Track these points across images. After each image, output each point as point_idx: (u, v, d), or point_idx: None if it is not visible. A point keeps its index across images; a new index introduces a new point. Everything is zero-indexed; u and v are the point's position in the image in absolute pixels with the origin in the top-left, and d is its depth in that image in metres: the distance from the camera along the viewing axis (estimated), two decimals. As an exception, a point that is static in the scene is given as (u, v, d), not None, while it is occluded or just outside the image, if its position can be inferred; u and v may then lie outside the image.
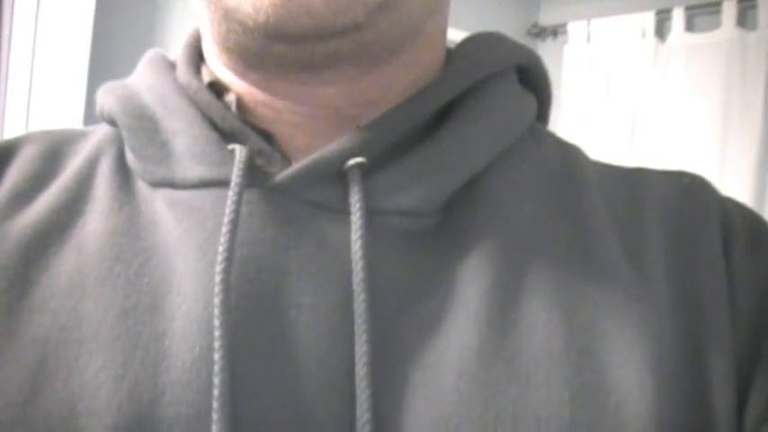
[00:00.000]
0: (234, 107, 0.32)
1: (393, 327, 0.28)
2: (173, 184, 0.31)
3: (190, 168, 0.31)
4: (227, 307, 0.26)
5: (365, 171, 0.30)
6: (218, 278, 0.27)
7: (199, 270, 0.28)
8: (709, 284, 0.31)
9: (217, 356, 0.26)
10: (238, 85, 0.33)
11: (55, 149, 0.36)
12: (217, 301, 0.26)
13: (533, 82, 0.37)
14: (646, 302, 0.30)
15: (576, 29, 2.56)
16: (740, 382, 0.31)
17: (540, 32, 2.73)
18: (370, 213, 0.29)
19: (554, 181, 0.33)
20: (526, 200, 0.32)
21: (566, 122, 2.55)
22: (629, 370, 0.27)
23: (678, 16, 2.29)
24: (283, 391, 0.26)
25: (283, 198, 0.30)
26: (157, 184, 0.31)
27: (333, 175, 0.30)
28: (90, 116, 1.74)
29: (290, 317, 0.27)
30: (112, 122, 0.36)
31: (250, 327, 0.27)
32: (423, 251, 0.29)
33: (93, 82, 1.74)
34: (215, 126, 0.32)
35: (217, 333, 0.26)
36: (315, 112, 0.32)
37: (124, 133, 0.33)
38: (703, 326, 0.30)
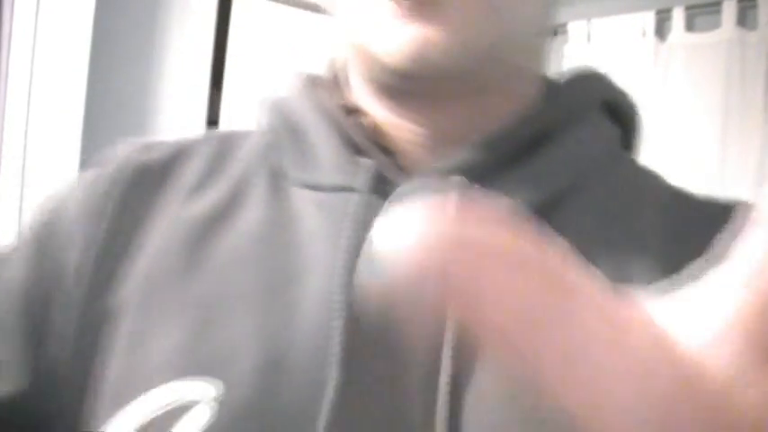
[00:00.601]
0: (366, 127, 0.41)
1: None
2: (314, 187, 0.39)
3: (328, 176, 0.39)
4: (345, 285, 0.34)
5: (466, 185, 0.37)
6: (340, 263, 0.35)
7: (328, 256, 0.36)
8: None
9: (336, 324, 0.33)
10: (374, 109, 0.41)
11: (223, 151, 0.44)
12: (338, 281, 0.34)
13: (621, 115, 0.46)
14: None
15: (575, 29, 2.56)
16: None
17: (540, 32, 2.73)
18: None
19: (616, 202, 0.40)
20: (590, 215, 0.38)
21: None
22: None
23: (678, 16, 2.29)
24: (383, 352, 0.33)
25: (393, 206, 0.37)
26: (302, 185, 0.40)
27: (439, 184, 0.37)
28: (90, 116, 1.74)
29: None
30: (272, 133, 0.44)
31: (363, 300, 0.34)
32: None
33: (93, 82, 1.74)
34: (350, 142, 0.40)
35: (336, 306, 0.34)
36: (431, 134, 0.40)
37: (281, 143, 0.42)
38: None
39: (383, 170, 0.39)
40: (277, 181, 0.41)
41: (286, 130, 0.43)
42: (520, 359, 0.18)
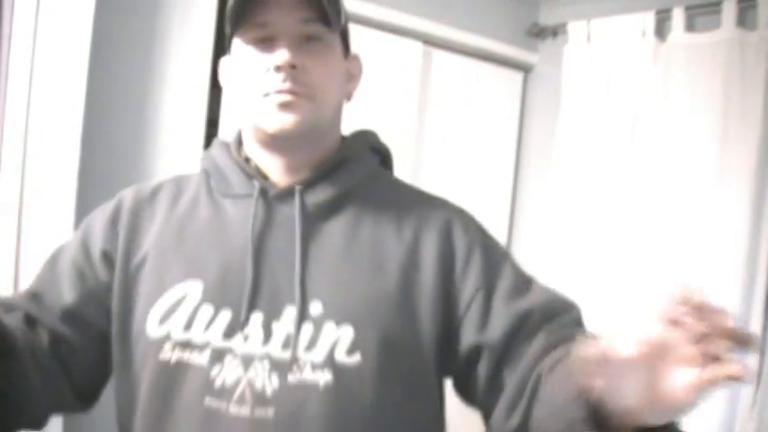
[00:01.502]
0: (254, 166, 0.88)
1: (311, 242, 0.83)
2: (231, 196, 0.87)
3: (238, 189, 0.86)
4: (253, 236, 0.82)
5: (302, 191, 0.85)
6: (250, 227, 0.83)
7: (244, 225, 0.83)
8: (426, 256, 0.84)
9: (249, 250, 0.82)
10: (257, 154, 0.88)
11: (180, 184, 0.92)
12: (251, 235, 0.82)
13: (382, 151, 0.94)
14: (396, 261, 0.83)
15: (575, 29, 2.56)
16: (451, 315, 0.84)
17: (540, 32, 2.73)
18: (303, 205, 0.84)
19: (377, 196, 0.88)
20: (364, 202, 0.86)
21: (566, 122, 2.55)
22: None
23: (678, 16, 2.29)
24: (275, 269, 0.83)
25: (273, 203, 0.85)
26: (225, 196, 0.87)
27: (290, 191, 0.85)
28: (90, 116, 1.74)
29: (271, 241, 0.83)
30: (206, 172, 0.91)
31: (262, 249, 0.83)
32: (323, 218, 0.84)
33: (93, 82, 1.74)
34: (246, 174, 0.87)
35: (250, 245, 0.82)
36: (286, 166, 0.86)
37: (213, 176, 0.90)
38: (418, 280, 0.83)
39: (264, 185, 0.85)
40: (212, 195, 0.88)
41: (215, 170, 0.89)
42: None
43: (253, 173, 0.86)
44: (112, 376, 0.88)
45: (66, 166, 1.69)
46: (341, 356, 0.77)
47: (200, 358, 0.78)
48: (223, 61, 0.90)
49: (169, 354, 0.79)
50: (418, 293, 0.81)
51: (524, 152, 2.80)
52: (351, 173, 0.86)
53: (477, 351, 0.82)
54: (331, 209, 0.84)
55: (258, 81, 0.81)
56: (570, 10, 2.64)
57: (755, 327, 2.06)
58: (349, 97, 0.91)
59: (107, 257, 0.87)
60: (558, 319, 0.82)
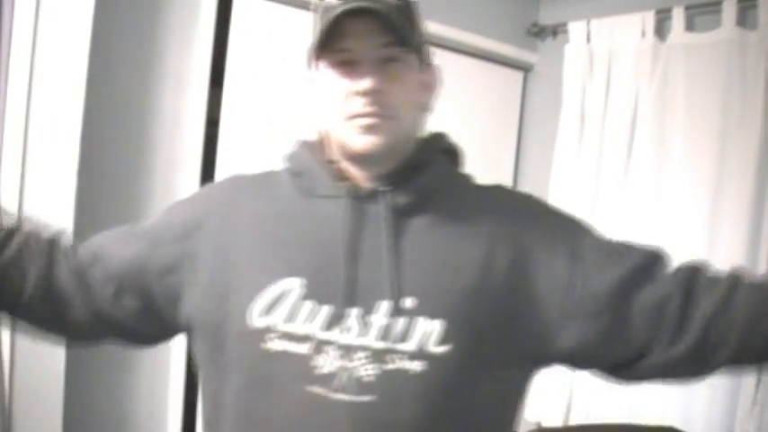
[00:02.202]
0: (338, 169, 0.93)
1: (399, 239, 0.89)
2: (321, 196, 0.93)
3: (327, 191, 0.92)
4: (347, 232, 0.89)
5: (387, 192, 0.91)
6: (341, 225, 0.90)
7: (336, 223, 0.90)
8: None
9: (341, 248, 0.89)
10: (343, 161, 0.93)
11: (267, 181, 0.99)
12: (342, 233, 0.89)
13: (454, 151, 1.01)
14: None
15: (575, 29, 2.56)
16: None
17: (540, 32, 2.73)
18: (389, 204, 0.91)
19: (454, 197, 0.95)
20: (442, 203, 0.93)
21: (566, 121, 2.55)
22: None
23: (678, 16, 2.29)
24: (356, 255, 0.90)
25: (360, 202, 0.91)
26: (316, 196, 0.93)
27: (375, 193, 0.91)
28: (89, 116, 1.74)
29: (362, 239, 0.90)
30: (292, 172, 0.96)
31: (355, 246, 0.89)
32: (407, 217, 0.91)
33: (93, 81, 1.74)
34: (333, 176, 0.93)
35: (342, 242, 0.89)
36: (369, 174, 0.92)
37: (301, 178, 0.95)
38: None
39: (351, 187, 0.91)
40: (302, 195, 0.94)
41: (303, 171, 0.95)
42: None
43: (339, 175, 0.93)
44: (200, 366, 0.96)
45: (65, 166, 1.69)
46: (432, 347, 0.85)
47: (301, 348, 0.86)
48: (306, 73, 0.96)
49: (271, 343, 0.86)
50: (500, 285, 0.89)
51: (524, 152, 2.80)
52: (428, 176, 0.93)
53: (603, 303, 0.88)
54: (413, 209, 0.91)
55: (342, 104, 0.88)
56: (570, 10, 2.64)
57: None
58: (428, 107, 0.98)
59: (184, 252, 0.94)
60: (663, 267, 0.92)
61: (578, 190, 2.51)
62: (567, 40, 2.58)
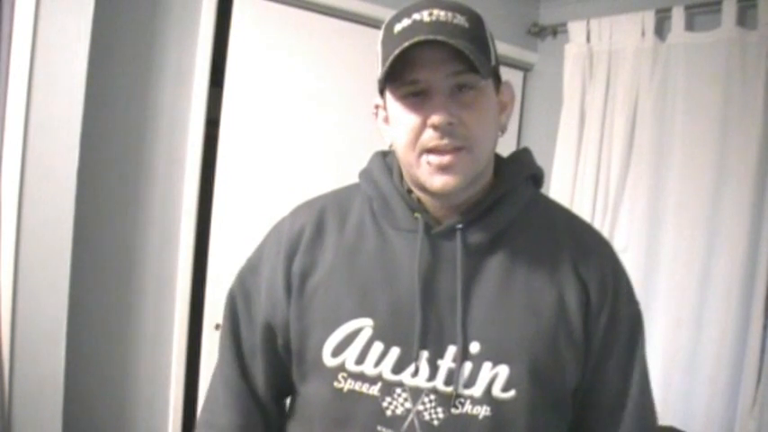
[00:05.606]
0: (415, 198, 0.91)
1: (471, 282, 0.88)
2: (397, 229, 0.91)
3: (404, 224, 0.91)
4: (420, 273, 0.88)
5: (463, 229, 0.89)
6: (417, 264, 0.88)
7: (410, 261, 0.89)
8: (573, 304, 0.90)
9: (417, 289, 0.87)
10: (420, 193, 0.90)
11: (343, 206, 0.96)
12: (417, 272, 0.87)
13: (536, 174, 0.95)
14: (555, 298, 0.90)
15: (575, 28, 2.56)
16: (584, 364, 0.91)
17: (540, 32, 2.73)
18: (464, 244, 0.89)
19: (532, 231, 0.92)
20: (518, 238, 0.91)
21: (565, 121, 2.55)
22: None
23: (678, 15, 2.29)
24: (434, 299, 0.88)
25: (436, 239, 0.89)
26: (391, 228, 0.92)
27: (452, 230, 0.89)
28: (89, 115, 1.74)
29: (436, 280, 0.88)
30: (369, 197, 0.95)
31: (428, 288, 0.87)
32: (482, 256, 0.89)
33: (93, 81, 1.74)
34: (410, 207, 0.91)
35: (417, 283, 0.87)
36: (447, 208, 0.89)
37: (377, 204, 0.94)
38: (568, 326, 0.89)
39: (428, 221, 0.89)
40: (377, 223, 0.93)
41: (378, 198, 0.93)
42: None
43: (416, 207, 0.90)
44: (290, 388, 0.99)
45: (65, 166, 1.70)
46: (497, 392, 0.85)
47: (371, 390, 0.87)
48: (376, 103, 0.93)
49: (343, 383, 0.87)
50: (565, 334, 0.88)
51: (524, 152, 2.80)
52: (508, 209, 0.90)
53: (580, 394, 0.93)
54: (489, 247, 0.89)
55: (415, 136, 0.84)
56: (570, 10, 2.64)
57: (756, 327, 2.06)
58: (503, 129, 0.91)
59: (287, 290, 0.93)
60: None
61: (578, 189, 2.51)
62: (566, 40, 2.58)
